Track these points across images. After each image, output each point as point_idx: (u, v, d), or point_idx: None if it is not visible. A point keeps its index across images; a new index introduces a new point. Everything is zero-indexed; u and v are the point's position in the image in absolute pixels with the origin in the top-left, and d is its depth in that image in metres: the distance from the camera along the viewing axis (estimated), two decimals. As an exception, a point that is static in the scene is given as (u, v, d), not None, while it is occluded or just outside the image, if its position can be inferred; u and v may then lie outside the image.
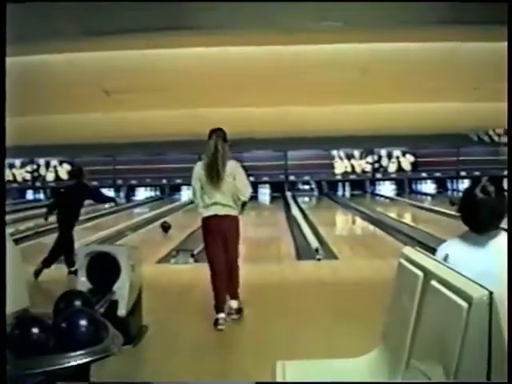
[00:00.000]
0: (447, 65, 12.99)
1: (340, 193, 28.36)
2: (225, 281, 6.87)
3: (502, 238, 3.48)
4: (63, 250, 9.74)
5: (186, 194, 27.87)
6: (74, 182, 10.15)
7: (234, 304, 6.94)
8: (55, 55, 11.47)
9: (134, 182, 28.47)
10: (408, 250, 3.57)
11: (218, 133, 6.80)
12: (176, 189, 28.29)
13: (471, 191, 3.47)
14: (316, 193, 28.08)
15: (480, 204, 3.41)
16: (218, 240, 6.79)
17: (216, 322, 6.55)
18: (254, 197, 25.28)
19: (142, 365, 5.42)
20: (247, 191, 6.90)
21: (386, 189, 28.56)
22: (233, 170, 6.79)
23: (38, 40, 9.22)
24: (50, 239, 14.86)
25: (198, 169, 6.82)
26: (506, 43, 10.53)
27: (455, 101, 18.55)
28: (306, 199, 24.23)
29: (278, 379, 3.33)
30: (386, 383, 3.13)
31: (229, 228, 6.83)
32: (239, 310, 6.96)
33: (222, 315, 6.62)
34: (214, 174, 6.67)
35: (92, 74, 13.35)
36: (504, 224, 3.54)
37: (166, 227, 15.09)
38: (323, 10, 8.77)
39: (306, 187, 28.36)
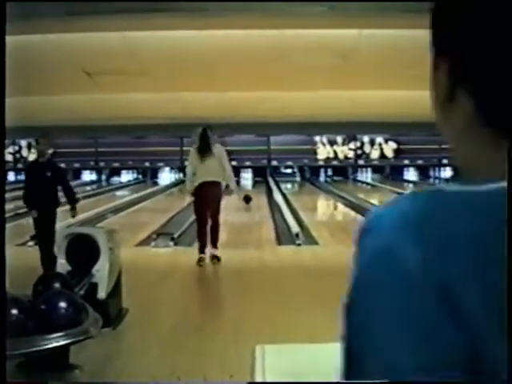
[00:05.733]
0: (429, 52, 13.01)
1: (322, 178, 28.38)
2: (206, 231, 9.11)
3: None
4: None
5: (167, 178, 27.82)
6: (39, 159, 8.29)
7: (215, 251, 9.14)
8: (36, 36, 11.36)
9: (116, 164, 28.30)
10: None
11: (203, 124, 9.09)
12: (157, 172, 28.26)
13: None
14: (298, 178, 28.08)
15: None
16: (205, 201, 8.91)
17: (199, 260, 8.97)
18: (236, 181, 25.24)
19: (121, 347, 5.41)
20: (230, 170, 9.28)
21: (368, 175, 28.64)
22: (219, 151, 9.06)
23: (19, 20, 9.12)
24: (30, 221, 14.83)
25: (192, 151, 9.04)
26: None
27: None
28: (289, 185, 24.22)
29: (258, 363, 3.34)
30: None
31: (215, 191, 8.98)
32: (218, 257, 9.12)
33: (203, 255, 9.04)
34: (204, 153, 8.84)
35: (74, 56, 13.26)
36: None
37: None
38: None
39: (289, 171, 28.35)
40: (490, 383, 0.60)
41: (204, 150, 8.91)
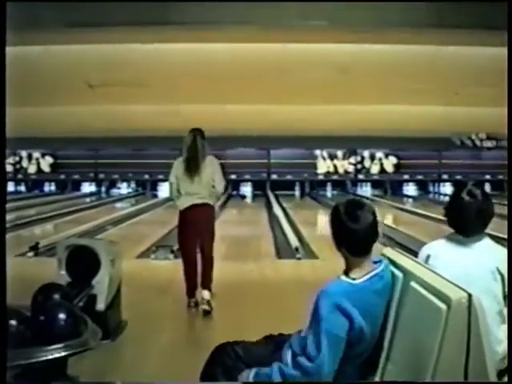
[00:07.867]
0: (429, 68, 13.07)
1: (322, 193, 28.31)
2: (196, 268, 7.26)
3: (486, 242, 3.50)
4: None
5: (165, 190, 27.76)
6: None
7: (206, 295, 7.07)
8: (38, 47, 11.42)
9: (115, 176, 28.28)
10: (388, 251, 3.58)
11: (195, 131, 7.16)
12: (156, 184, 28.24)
13: (458, 194, 3.49)
14: (297, 192, 28.03)
15: (467, 206, 3.43)
16: (193, 230, 7.15)
17: (189, 304, 7.19)
18: (236, 195, 25.30)
19: (120, 360, 5.40)
20: (222, 186, 7.25)
21: (368, 190, 28.61)
22: (211, 164, 7.14)
23: (21, 31, 9.17)
24: (30, 231, 14.85)
25: (177, 164, 7.18)
26: (488, 48, 10.63)
27: (437, 104, 18.68)
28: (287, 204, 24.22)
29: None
30: (378, 383, 3.13)
31: (206, 217, 7.22)
32: (210, 304, 7.02)
33: (193, 299, 7.20)
34: (193, 167, 7.00)
35: (76, 67, 13.31)
36: (490, 230, 3.57)
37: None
38: (308, 8, 8.81)
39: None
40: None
41: (192, 164, 7.04)
